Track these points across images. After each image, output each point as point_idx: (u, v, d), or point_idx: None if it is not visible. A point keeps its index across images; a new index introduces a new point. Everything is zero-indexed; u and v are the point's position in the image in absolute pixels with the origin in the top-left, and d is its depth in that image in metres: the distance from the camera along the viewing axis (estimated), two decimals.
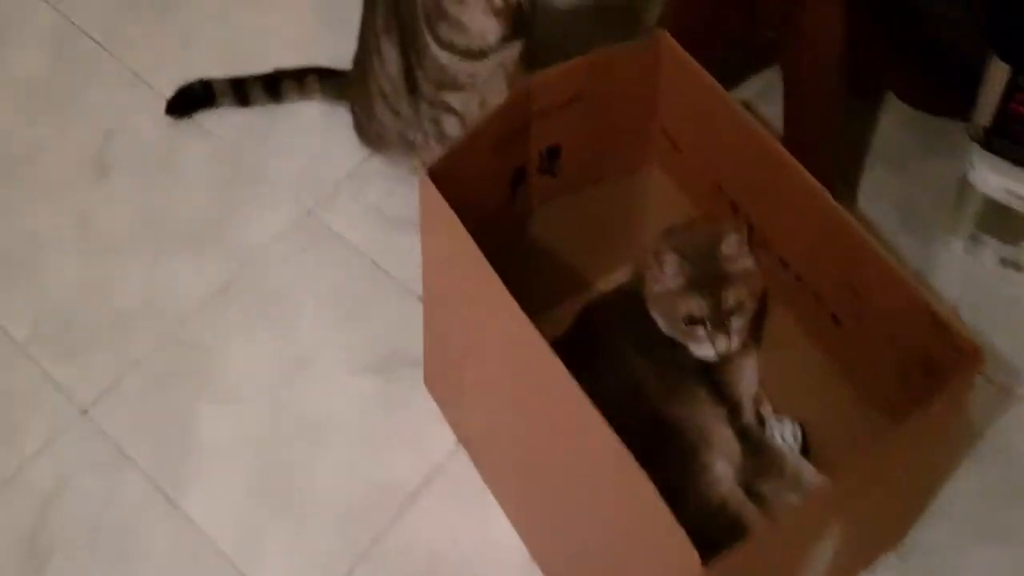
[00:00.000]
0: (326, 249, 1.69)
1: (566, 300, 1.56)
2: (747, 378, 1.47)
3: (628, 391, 1.39)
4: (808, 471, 1.42)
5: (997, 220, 1.62)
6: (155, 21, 1.96)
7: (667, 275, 1.38)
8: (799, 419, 1.49)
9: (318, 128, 1.82)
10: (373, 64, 1.63)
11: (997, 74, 1.56)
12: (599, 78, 1.40)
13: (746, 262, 1.40)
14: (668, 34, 1.40)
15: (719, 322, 1.37)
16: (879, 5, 1.69)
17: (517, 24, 1.47)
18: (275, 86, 1.83)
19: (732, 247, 1.38)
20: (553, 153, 1.45)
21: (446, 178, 1.25)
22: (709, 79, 1.37)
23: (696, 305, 1.37)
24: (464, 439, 1.51)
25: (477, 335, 1.35)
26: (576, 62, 1.38)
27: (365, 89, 1.68)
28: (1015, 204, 1.58)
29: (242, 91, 1.83)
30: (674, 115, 1.46)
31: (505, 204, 1.44)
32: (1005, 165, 1.58)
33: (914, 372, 1.25)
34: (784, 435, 1.48)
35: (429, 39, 1.49)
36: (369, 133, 1.74)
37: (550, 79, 1.37)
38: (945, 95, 1.79)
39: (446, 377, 1.50)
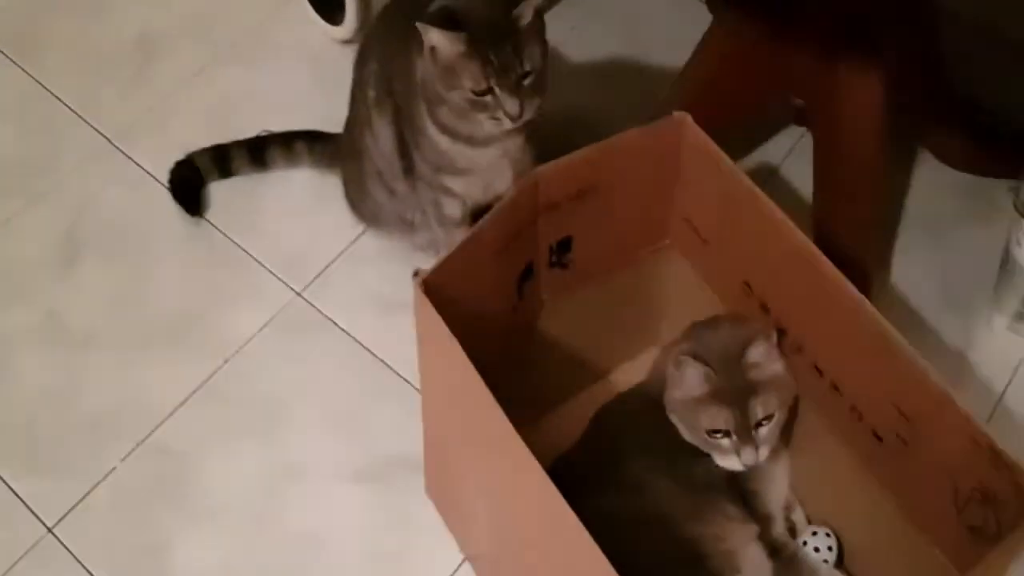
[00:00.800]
0: (317, 339, 1.56)
1: (583, 391, 1.49)
2: (777, 487, 1.36)
3: (648, 510, 1.28)
4: None
5: None
6: (131, 82, 1.82)
7: (688, 383, 1.26)
8: (833, 527, 1.37)
9: (307, 200, 1.69)
10: (365, 140, 1.50)
11: None
12: (613, 166, 1.27)
13: (776, 367, 1.27)
14: (688, 116, 1.26)
15: (746, 434, 1.25)
16: (922, 62, 1.55)
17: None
18: (260, 152, 1.70)
19: (761, 354, 1.25)
20: (564, 246, 1.33)
21: (444, 286, 1.13)
22: (732, 166, 1.24)
23: (721, 418, 1.25)
24: (470, 556, 1.38)
25: (475, 452, 1.22)
26: (587, 152, 1.25)
27: (358, 164, 1.54)
28: None
29: (225, 160, 1.70)
30: (696, 204, 1.33)
31: (512, 302, 1.31)
32: None
33: (968, 500, 1.12)
34: (819, 546, 1.36)
35: (428, 122, 1.35)
36: (363, 209, 1.61)
37: (559, 171, 1.24)
38: (991, 155, 1.66)
39: (447, 488, 1.38)
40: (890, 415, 1.17)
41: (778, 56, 1.50)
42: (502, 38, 1.25)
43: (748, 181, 1.24)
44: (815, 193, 1.53)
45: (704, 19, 1.65)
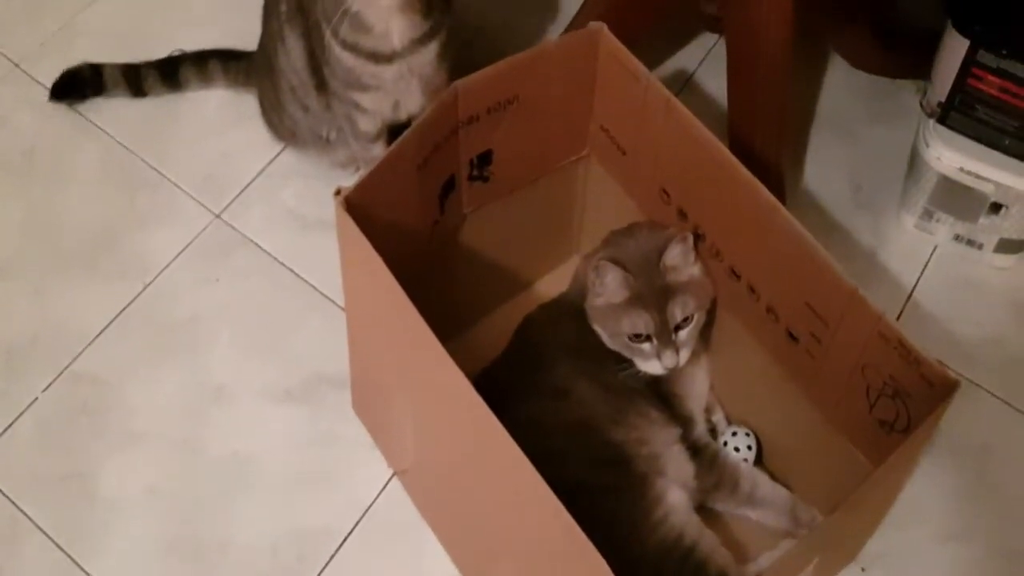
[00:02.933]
0: (238, 260, 1.55)
1: (506, 303, 1.50)
2: (698, 389, 1.39)
3: (572, 415, 1.30)
4: (765, 485, 1.35)
5: (951, 196, 1.52)
6: (35, 2, 1.77)
7: (608, 289, 1.28)
8: (751, 426, 1.41)
9: (223, 120, 1.66)
10: (279, 56, 1.47)
11: (954, 47, 1.45)
12: (531, 78, 1.27)
13: (693, 270, 1.30)
14: (604, 26, 1.26)
15: (666, 337, 1.27)
16: None
17: (427, 23, 1.33)
18: (173, 73, 1.67)
19: (677, 257, 1.27)
20: (484, 159, 1.32)
21: (366, 203, 1.12)
22: (648, 75, 1.25)
23: (642, 321, 1.27)
24: (398, 471, 1.39)
25: (401, 367, 1.23)
26: (506, 63, 1.24)
27: (272, 81, 1.52)
28: (970, 182, 1.48)
29: (136, 79, 1.66)
30: (613, 113, 1.33)
31: (435, 217, 1.31)
32: (961, 141, 1.48)
33: (879, 395, 1.16)
34: (738, 446, 1.40)
35: (331, 40, 1.33)
36: (280, 127, 1.59)
37: (478, 84, 1.23)
38: (896, 55, 1.69)
39: (374, 405, 1.39)
40: (804, 315, 1.20)
41: None
42: None
43: (664, 89, 1.24)
44: (729, 99, 1.54)
45: None
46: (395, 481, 1.39)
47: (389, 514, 1.36)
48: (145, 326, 1.49)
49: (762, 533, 1.33)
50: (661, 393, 1.34)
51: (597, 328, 1.32)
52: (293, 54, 1.44)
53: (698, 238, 1.29)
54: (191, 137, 1.65)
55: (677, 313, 1.27)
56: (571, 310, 1.35)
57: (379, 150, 1.49)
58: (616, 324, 1.29)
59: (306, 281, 1.53)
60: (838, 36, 1.69)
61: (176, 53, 1.68)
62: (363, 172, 1.16)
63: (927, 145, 1.49)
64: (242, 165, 1.62)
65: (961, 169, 1.47)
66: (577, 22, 1.61)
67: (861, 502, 1.10)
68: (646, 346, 1.28)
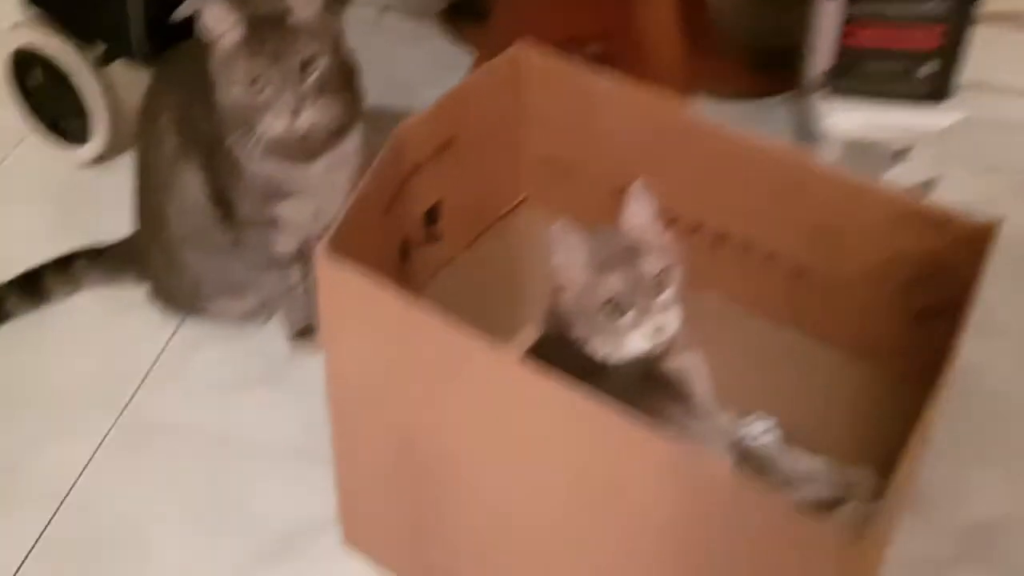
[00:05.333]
0: (161, 448, 1.37)
1: None
2: (701, 383, 1.24)
3: None
4: (801, 460, 1.29)
5: (858, 159, 1.56)
6: None
7: (570, 264, 1.14)
8: (769, 410, 1.34)
9: (104, 317, 1.52)
10: (170, 204, 1.38)
11: (828, 11, 1.52)
12: (465, 113, 1.23)
13: (656, 231, 1.16)
14: (525, 42, 1.25)
15: (643, 305, 1.12)
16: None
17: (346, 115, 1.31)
18: (35, 286, 1.52)
19: (638, 213, 1.14)
20: (433, 215, 1.26)
21: (344, 252, 1.03)
22: (587, 71, 1.23)
23: (612, 281, 1.11)
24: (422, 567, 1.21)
25: (424, 400, 1.08)
26: (440, 101, 1.20)
27: (161, 243, 1.42)
28: (873, 136, 1.54)
29: None
30: (555, 127, 1.29)
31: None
32: (852, 102, 1.54)
33: (910, 285, 1.13)
34: (757, 437, 1.33)
35: (248, 155, 1.29)
36: (178, 294, 1.46)
37: (418, 126, 1.18)
38: (758, 75, 1.76)
39: (376, 514, 1.22)
40: (812, 238, 1.17)
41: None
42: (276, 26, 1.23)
43: (604, 74, 1.22)
44: None
45: None
46: None
47: None
48: (70, 548, 1.28)
49: None
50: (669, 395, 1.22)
51: (577, 333, 1.15)
52: (189, 190, 1.36)
53: (673, 221, 1.22)
54: (71, 344, 1.49)
55: (647, 268, 1.12)
56: (556, 343, 1.20)
57: (296, 276, 1.41)
58: (589, 300, 1.13)
59: (247, 440, 1.37)
60: (705, 72, 1.73)
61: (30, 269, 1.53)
62: (336, 219, 1.06)
63: (823, 117, 1.54)
64: (137, 354, 1.47)
65: (861, 126, 1.53)
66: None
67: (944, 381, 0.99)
68: (626, 318, 1.12)
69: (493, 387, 1.01)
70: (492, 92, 1.25)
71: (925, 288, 1.12)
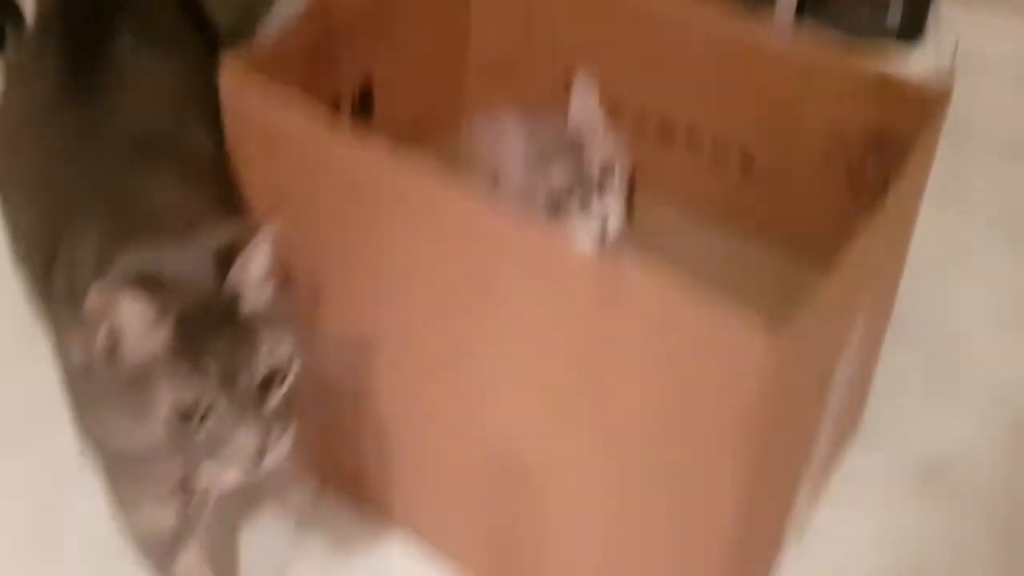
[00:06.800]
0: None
1: None
2: None
3: None
4: None
5: None
6: None
7: (508, 154, 1.04)
8: None
9: None
10: None
11: None
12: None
13: (600, 126, 1.07)
14: None
15: (587, 201, 1.02)
16: None
17: None
18: None
19: (582, 108, 1.06)
20: (367, 102, 1.19)
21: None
22: None
23: (554, 174, 1.02)
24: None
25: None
26: None
27: None
28: None
29: None
30: (492, 26, 1.26)
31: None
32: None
33: (863, 154, 1.08)
34: None
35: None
36: None
37: None
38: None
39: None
40: (759, 120, 1.13)
41: None
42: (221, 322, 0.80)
43: None
44: None
45: None
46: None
47: None
48: None
49: None
50: None
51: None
52: None
53: (617, 105, 1.16)
54: None
55: (593, 164, 1.03)
56: None
57: None
58: (528, 195, 1.03)
59: None
60: None
61: None
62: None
63: None
64: None
65: None
66: None
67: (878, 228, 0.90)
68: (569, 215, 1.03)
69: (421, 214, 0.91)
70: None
71: (876, 163, 1.06)
